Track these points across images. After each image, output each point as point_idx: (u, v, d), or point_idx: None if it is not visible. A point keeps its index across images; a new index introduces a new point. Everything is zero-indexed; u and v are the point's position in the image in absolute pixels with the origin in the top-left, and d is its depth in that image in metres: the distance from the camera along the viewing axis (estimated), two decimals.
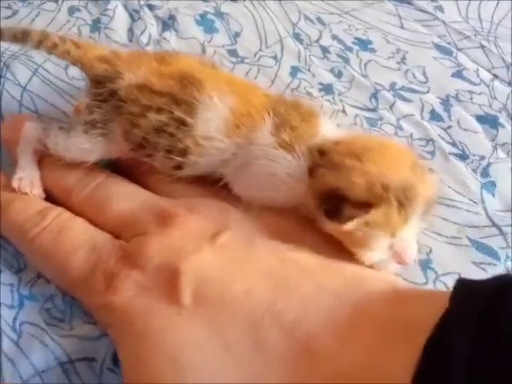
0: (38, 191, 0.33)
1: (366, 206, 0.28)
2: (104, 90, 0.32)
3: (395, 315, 0.26)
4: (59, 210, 0.32)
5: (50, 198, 0.34)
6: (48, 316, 0.31)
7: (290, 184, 0.30)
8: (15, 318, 0.30)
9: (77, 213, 0.32)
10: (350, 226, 0.28)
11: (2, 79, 0.42)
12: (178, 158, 0.31)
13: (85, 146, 0.32)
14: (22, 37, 0.35)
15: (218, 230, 0.29)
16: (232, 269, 0.28)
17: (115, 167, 0.35)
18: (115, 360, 0.29)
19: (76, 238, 0.30)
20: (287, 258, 0.28)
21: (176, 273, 0.27)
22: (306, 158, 0.30)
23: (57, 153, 0.33)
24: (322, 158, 0.30)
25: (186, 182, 0.32)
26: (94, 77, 0.33)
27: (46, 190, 0.34)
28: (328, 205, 0.28)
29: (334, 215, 0.28)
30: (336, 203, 0.28)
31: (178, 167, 0.32)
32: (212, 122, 0.31)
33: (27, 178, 0.33)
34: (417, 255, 0.30)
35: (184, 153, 0.31)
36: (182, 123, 0.31)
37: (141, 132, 0.31)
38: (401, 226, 0.28)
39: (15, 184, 0.32)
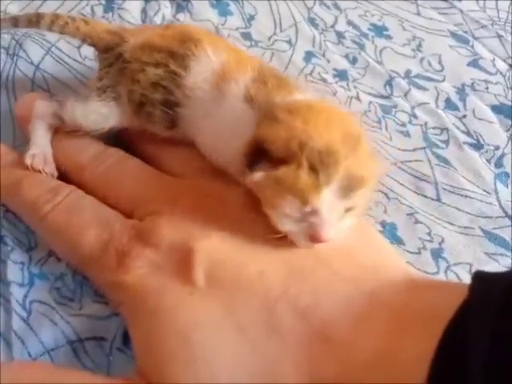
0: (50, 168, 0.33)
1: (280, 162, 0.26)
2: (111, 54, 0.34)
3: (411, 304, 0.25)
4: (71, 187, 0.32)
5: (61, 175, 0.34)
6: (58, 295, 0.31)
7: (243, 137, 0.29)
8: (25, 296, 0.30)
9: (88, 190, 0.32)
10: (256, 177, 0.26)
11: (15, 57, 0.41)
12: (170, 111, 0.31)
13: (101, 111, 0.33)
14: (36, 20, 0.36)
15: None
16: (244, 251, 0.27)
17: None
18: (125, 340, 0.29)
19: (88, 216, 0.30)
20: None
21: (189, 252, 0.27)
22: (261, 113, 0.29)
23: (74, 122, 0.33)
24: (268, 112, 0.29)
25: (185, 159, 0.33)
26: (103, 45, 0.35)
27: (57, 168, 0.34)
28: (251, 156, 0.27)
29: (251, 167, 0.27)
30: (258, 155, 0.27)
31: (172, 126, 0.32)
32: (202, 73, 0.31)
33: (40, 155, 0.33)
34: (335, 237, 0.27)
35: (175, 105, 0.32)
36: (176, 75, 0.31)
37: (140, 88, 0.32)
38: (311, 194, 0.26)
39: (28, 161, 0.32)
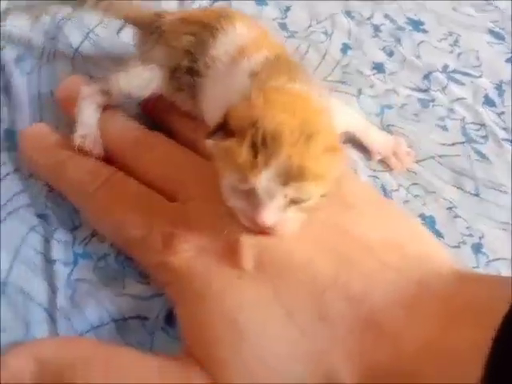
0: (98, 149, 0.33)
1: (231, 135, 0.26)
2: (151, 27, 0.36)
3: (459, 295, 0.25)
4: (114, 169, 0.32)
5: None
6: (101, 274, 0.31)
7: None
8: (70, 275, 0.31)
9: (131, 173, 0.32)
10: (207, 144, 0.27)
11: (55, 41, 0.42)
12: (192, 79, 0.33)
13: (143, 75, 0.34)
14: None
15: None
16: (291, 238, 0.28)
17: None
18: (168, 319, 0.30)
19: (132, 197, 0.30)
20: (348, 233, 0.28)
21: (238, 236, 0.27)
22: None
23: (120, 92, 0.34)
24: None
25: None
26: (143, 22, 0.37)
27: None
28: (215, 126, 0.27)
29: (210, 135, 0.27)
30: (220, 126, 0.26)
31: (193, 96, 0.33)
32: (225, 46, 0.33)
33: (90, 136, 0.33)
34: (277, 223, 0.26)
35: (196, 74, 0.33)
36: (204, 44, 0.33)
37: (173, 54, 0.34)
38: (249, 171, 0.25)
39: (77, 141, 0.32)
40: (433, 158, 0.38)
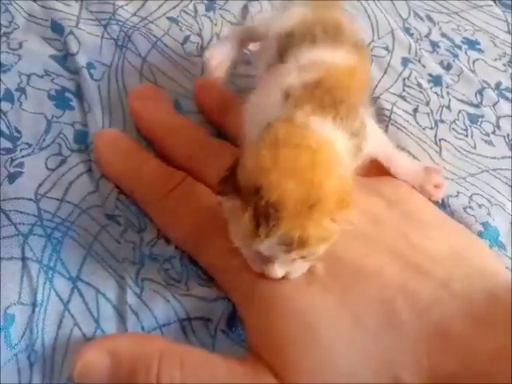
0: (219, 73, 0.34)
1: (238, 191, 0.25)
2: None
3: None
4: (184, 174, 0.34)
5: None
6: (166, 276, 0.32)
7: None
8: (137, 274, 0.32)
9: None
10: (219, 199, 0.27)
11: (124, 49, 0.44)
12: None
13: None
14: None
15: None
16: (361, 246, 0.29)
17: None
18: (229, 323, 0.31)
19: (201, 201, 0.32)
20: (416, 244, 0.29)
21: None
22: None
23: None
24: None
25: None
26: None
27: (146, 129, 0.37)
28: (227, 171, 0.26)
29: (219, 183, 0.26)
30: (230, 174, 0.26)
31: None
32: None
33: (216, 59, 0.34)
34: None
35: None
36: None
37: None
38: (252, 238, 0.25)
39: (205, 56, 0.35)
40: (487, 171, 0.39)
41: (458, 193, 0.37)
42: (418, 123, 0.41)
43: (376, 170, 0.33)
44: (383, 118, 0.40)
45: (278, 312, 0.27)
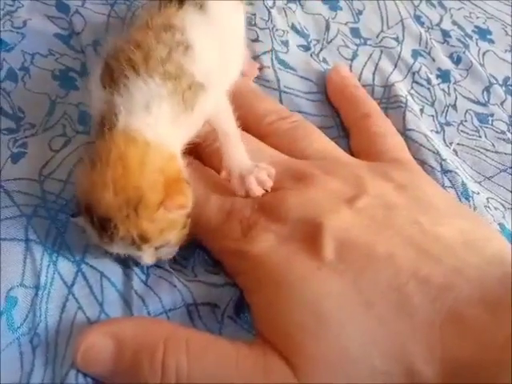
0: None
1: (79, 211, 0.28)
2: None
3: None
4: (189, 158, 0.33)
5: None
6: (172, 262, 0.32)
7: None
8: None
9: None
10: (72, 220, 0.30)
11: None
12: None
13: None
14: None
15: (355, 194, 0.30)
16: (372, 232, 0.28)
17: None
18: (237, 309, 0.30)
19: (208, 186, 0.31)
20: (428, 230, 0.28)
21: (319, 228, 0.28)
22: None
23: None
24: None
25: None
26: None
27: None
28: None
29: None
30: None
31: None
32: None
33: None
34: None
35: None
36: None
37: None
38: (102, 244, 0.28)
39: None
40: (505, 170, 0.38)
41: (479, 192, 0.37)
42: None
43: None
44: (399, 105, 0.40)
45: (286, 297, 0.27)
